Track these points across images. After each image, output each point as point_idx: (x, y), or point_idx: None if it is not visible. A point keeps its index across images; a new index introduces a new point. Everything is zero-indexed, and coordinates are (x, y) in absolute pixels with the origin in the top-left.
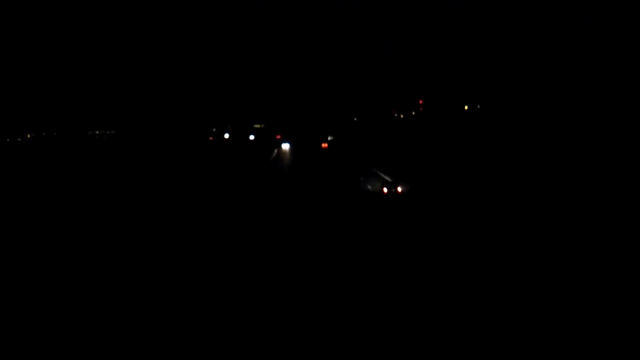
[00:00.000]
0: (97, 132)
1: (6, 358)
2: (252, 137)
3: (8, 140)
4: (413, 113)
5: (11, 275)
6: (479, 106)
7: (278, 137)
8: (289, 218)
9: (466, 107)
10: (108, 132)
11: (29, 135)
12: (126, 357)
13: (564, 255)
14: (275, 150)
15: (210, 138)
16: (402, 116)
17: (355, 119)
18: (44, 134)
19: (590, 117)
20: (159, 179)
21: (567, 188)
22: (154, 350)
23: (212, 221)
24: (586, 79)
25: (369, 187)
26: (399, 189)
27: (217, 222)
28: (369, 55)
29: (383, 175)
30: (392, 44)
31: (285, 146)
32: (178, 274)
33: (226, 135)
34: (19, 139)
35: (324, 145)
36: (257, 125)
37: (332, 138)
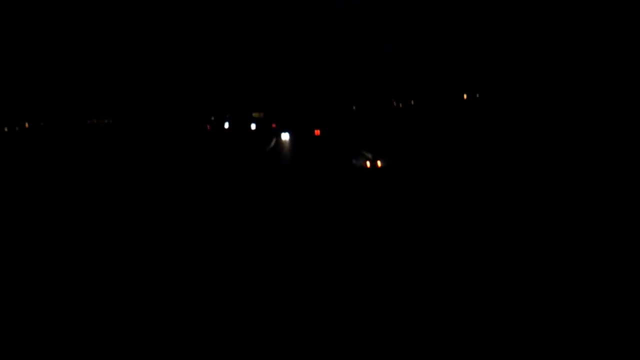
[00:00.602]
0: (95, 121)
1: (6, 358)
2: (253, 127)
3: (6, 129)
4: (412, 102)
5: (8, 268)
6: (477, 95)
7: (273, 125)
8: (288, 183)
9: (465, 96)
10: (106, 121)
11: (26, 125)
12: (126, 357)
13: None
14: (274, 140)
15: (208, 127)
16: (400, 105)
17: (354, 107)
18: (42, 123)
19: (588, 117)
20: (158, 166)
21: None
22: (154, 350)
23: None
24: (584, 82)
25: (356, 163)
26: (379, 164)
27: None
28: (369, 55)
29: (367, 154)
30: (392, 44)
31: (285, 136)
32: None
33: (226, 125)
34: (17, 128)
35: (317, 132)
36: (255, 114)
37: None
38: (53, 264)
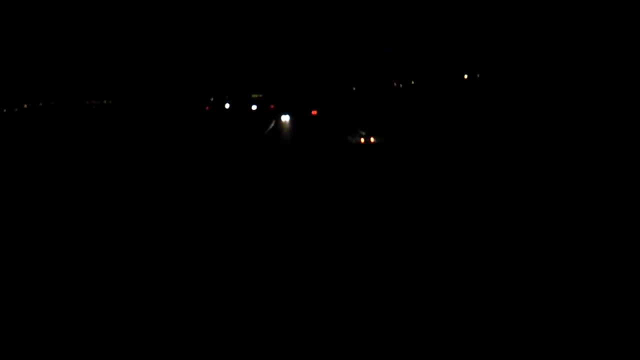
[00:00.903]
0: (95, 102)
1: (6, 358)
2: (254, 107)
3: (5, 110)
4: (412, 82)
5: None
6: (478, 75)
7: (272, 107)
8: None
9: (465, 76)
10: (105, 102)
11: (25, 106)
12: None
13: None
14: (273, 122)
15: (207, 108)
16: (401, 85)
17: (354, 89)
18: (40, 104)
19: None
20: (157, 148)
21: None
22: (154, 349)
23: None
24: (581, 78)
25: (352, 140)
26: (372, 140)
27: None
28: (369, 55)
29: (362, 132)
30: (392, 44)
31: (285, 118)
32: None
33: (227, 105)
34: (16, 109)
35: (314, 112)
36: (254, 95)
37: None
38: (51, 250)
